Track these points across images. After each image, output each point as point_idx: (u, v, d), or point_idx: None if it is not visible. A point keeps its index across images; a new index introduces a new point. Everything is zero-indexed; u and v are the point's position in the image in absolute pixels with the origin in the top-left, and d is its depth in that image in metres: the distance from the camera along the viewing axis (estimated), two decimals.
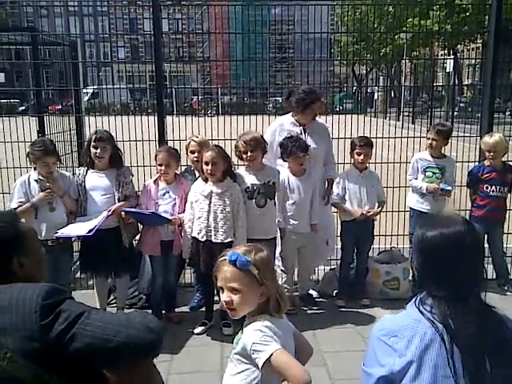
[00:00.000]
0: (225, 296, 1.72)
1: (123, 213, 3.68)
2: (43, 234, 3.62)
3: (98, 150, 3.69)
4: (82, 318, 1.42)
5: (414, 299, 1.59)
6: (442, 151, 4.54)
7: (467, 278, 1.50)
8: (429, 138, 4.43)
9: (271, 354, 1.58)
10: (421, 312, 1.48)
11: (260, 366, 1.62)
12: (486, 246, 4.62)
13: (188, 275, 4.55)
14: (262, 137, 3.88)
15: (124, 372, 1.51)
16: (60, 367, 1.38)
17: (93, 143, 3.70)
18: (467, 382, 1.39)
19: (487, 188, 4.49)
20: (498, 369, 1.42)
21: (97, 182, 3.76)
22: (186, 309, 4.16)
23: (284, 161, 4.11)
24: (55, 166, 3.74)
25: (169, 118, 4.77)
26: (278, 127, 4.34)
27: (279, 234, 4.14)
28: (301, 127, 4.30)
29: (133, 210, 3.73)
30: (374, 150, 4.32)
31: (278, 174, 3.97)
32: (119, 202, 3.74)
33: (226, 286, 1.72)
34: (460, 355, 1.41)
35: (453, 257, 1.50)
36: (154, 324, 1.49)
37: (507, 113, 11.35)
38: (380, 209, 4.35)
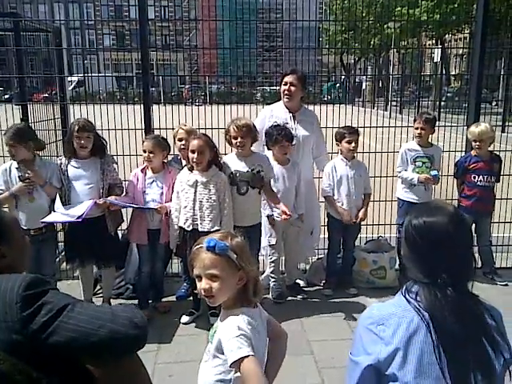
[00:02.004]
0: (204, 284, 1.70)
1: (108, 202, 3.64)
2: (23, 224, 3.55)
3: (82, 141, 3.64)
4: (66, 310, 1.39)
5: (402, 287, 1.60)
6: (429, 140, 4.56)
7: (450, 266, 1.50)
8: (417, 128, 4.44)
9: (240, 358, 1.57)
10: (407, 300, 1.49)
11: (229, 365, 1.61)
12: (473, 234, 4.67)
13: (175, 265, 4.54)
14: (254, 125, 3.85)
15: (109, 366, 1.49)
16: (42, 361, 1.36)
17: (76, 133, 3.62)
18: (451, 370, 1.41)
19: (474, 178, 4.52)
20: (480, 358, 1.44)
21: (80, 171, 3.70)
22: (173, 298, 4.15)
23: (268, 149, 4.10)
24: (20, 152, 3.62)
25: (156, 107, 4.72)
26: (268, 113, 4.33)
27: (267, 223, 4.13)
28: (290, 114, 4.28)
29: (118, 202, 3.69)
30: (361, 140, 4.32)
31: (266, 162, 3.94)
32: (103, 190, 3.70)
33: (204, 273, 1.69)
34: (444, 343, 1.42)
35: (435, 245, 1.50)
36: (139, 319, 1.47)
37: (493, 103, 11.44)
38: (367, 205, 4.35)
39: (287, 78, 4.24)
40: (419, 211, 1.59)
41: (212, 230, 3.49)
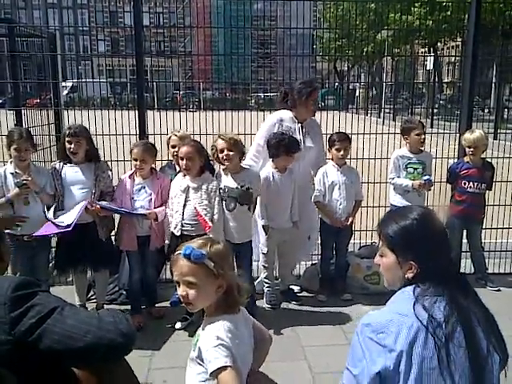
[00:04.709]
0: (181, 290, 1.71)
1: (98, 206, 3.62)
2: (19, 229, 3.58)
3: (72, 146, 3.63)
4: (55, 313, 1.40)
5: (396, 294, 1.61)
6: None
7: (451, 258, 1.57)
8: (418, 134, 4.42)
9: (218, 368, 1.58)
10: (414, 306, 1.49)
11: (208, 374, 1.62)
12: (465, 241, 4.70)
13: (169, 270, 4.52)
14: (241, 141, 3.82)
15: (97, 372, 1.50)
16: (25, 363, 1.36)
17: (67, 138, 3.64)
18: (463, 373, 1.43)
19: (465, 184, 4.55)
20: (496, 353, 1.48)
21: (74, 176, 3.69)
22: (167, 304, 4.14)
23: (273, 158, 4.04)
24: (29, 155, 3.67)
25: (150, 113, 4.72)
26: (278, 122, 4.27)
27: (263, 232, 4.13)
28: (299, 124, 4.30)
29: (108, 205, 3.68)
30: (355, 146, 4.34)
31: (256, 179, 3.90)
32: (94, 196, 3.68)
33: (181, 280, 1.70)
34: (458, 343, 1.44)
35: (437, 230, 1.57)
36: (125, 327, 1.48)
37: (486, 110, 11.54)
38: (356, 209, 4.37)
39: (316, 94, 4.35)
40: (399, 215, 1.65)
41: (201, 233, 3.49)
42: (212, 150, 3.79)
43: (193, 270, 1.68)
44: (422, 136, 4.44)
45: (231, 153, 3.69)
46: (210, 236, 1.86)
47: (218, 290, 1.71)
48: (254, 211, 4.00)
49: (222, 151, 3.71)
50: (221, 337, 1.63)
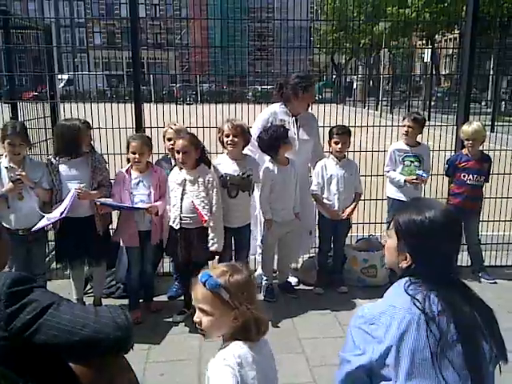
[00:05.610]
0: (195, 316, 1.66)
1: (98, 203, 3.60)
2: (13, 224, 3.58)
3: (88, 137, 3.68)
4: (51, 309, 1.40)
5: (391, 287, 1.62)
6: (418, 139, 4.59)
7: (454, 257, 1.56)
8: (404, 126, 4.47)
9: None
10: (411, 297, 1.49)
11: None
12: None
13: (166, 264, 4.53)
14: (248, 129, 3.85)
15: (94, 367, 1.50)
16: (23, 359, 1.36)
17: (87, 132, 3.66)
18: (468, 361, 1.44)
19: (464, 176, 4.55)
20: (492, 348, 1.49)
21: (71, 171, 3.67)
22: (164, 298, 4.14)
23: (273, 156, 4.03)
24: (24, 150, 3.64)
25: (146, 106, 4.70)
26: (271, 116, 4.29)
27: (263, 222, 4.12)
28: (293, 118, 4.28)
29: (109, 203, 3.66)
30: (352, 139, 4.33)
31: (257, 167, 3.94)
32: (92, 188, 3.66)
33: (197, 305, 1.65)
34: (451, 337, 1.44)
35: (446, 237, 1.55)
36: (122, 321, 1.48)
37: (483, 103, 11.53)
38: (356, 203, 4.36)
39: (311, 90, 4.33)
40: (415, 208, 1.61)
41: (199, 226, 3.51)
42: (218, 133, 3.83)
43: (208, 297, 1.62)
44: (405, 129, 4.46)
45: (236, 139, 3.73)
46: (235, 263, 1.77)
47: (234, 321, 1.62)
48: (252, 192, 4.00)
49: (227, 136, 3.74)
50: (227, 358, 1.58)
